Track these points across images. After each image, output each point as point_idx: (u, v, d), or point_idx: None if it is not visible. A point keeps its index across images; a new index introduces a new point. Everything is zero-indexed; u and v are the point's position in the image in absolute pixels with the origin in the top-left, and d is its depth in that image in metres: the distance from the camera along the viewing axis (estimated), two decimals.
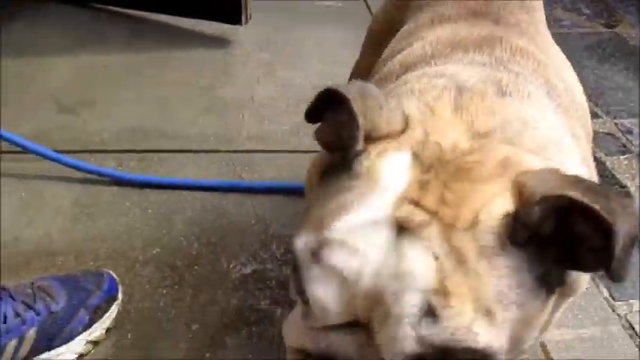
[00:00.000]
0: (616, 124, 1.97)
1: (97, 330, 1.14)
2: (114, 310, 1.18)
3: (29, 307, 1.05)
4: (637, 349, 1.26)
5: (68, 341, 1.09)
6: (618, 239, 0.53)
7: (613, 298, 1.37)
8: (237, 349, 1.19)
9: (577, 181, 0.58)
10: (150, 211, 1.48)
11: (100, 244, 1.37)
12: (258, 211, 1.50)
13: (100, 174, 1.55)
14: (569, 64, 1.01)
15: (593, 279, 1.41)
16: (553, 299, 0.63)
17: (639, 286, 1.39)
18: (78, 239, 1.38)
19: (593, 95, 2.09)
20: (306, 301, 0.61)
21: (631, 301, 1.37)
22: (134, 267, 1.33)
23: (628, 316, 1.33)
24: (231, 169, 1.65)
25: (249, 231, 1.45)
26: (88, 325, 1.12)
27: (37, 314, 1.05)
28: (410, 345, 0.55)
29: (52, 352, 1.08)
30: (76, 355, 1.11)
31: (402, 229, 0.57)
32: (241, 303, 1.27)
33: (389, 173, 0.61)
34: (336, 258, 0.58)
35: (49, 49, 2.07)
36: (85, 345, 1.12)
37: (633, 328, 1.30)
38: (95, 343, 1.14)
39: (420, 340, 0.55)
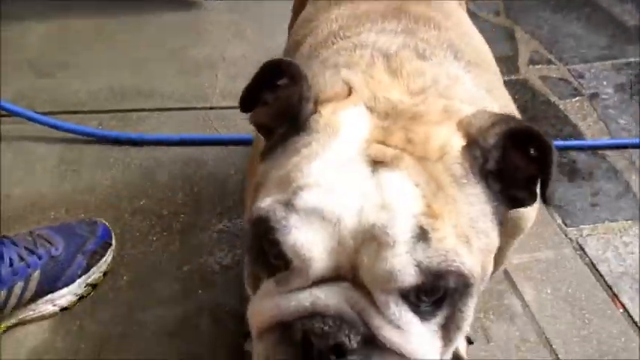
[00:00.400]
0: (568, 69, 2.09)
1: (95, 273, 1.22)
2: (109, 255, 1.26)
3: (31, 252, 1.12)
4: (586, 267, 1.40)
5: (69, 284, 1.18)
6: (554, 158, 0.63)
7: (565, 225, 1.51)
8: (226, 287, 1.29)
9: (514, 116, 0.69)
10: (133, 166, 1.56)
11: (89, 197, 1.44)
12: (236, 161, 1.59)
13: (101, 137, 1.61)
14: (472, 26, 1.03)
15: (547, 208, 1.54)
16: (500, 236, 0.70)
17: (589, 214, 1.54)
18: (67, 194, 1.45)
19: (548, 43, 2.20)
20: (280, 266, 0.60)
21: (581, 226, 1.51)
22: (123, 217, 1.40)
23: (579, 240, 1.47)
24: (208, 125, 1.72)
25: (230, 180, 1.53)
26: (86, 269, 1.21)
27: (40, 258, 1.13)
28: (409, 274, 0.55)
29: (55, 294, 1.16)
30: (77, 297, 1.20)
31: (376, 164, 0.60)
32: (228, 245, 1.36)
33: (348, 123, 0.64)
34: (315, 199, 0.57)
35: (20, 15, 2.08)
36: (84, 287, 1.21)
37: (583, 250, 1.45)
38: (93, 285, 1.23)
39: (418, 266, 0.55)
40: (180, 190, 1.49)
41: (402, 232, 0.55)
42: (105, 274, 1.25)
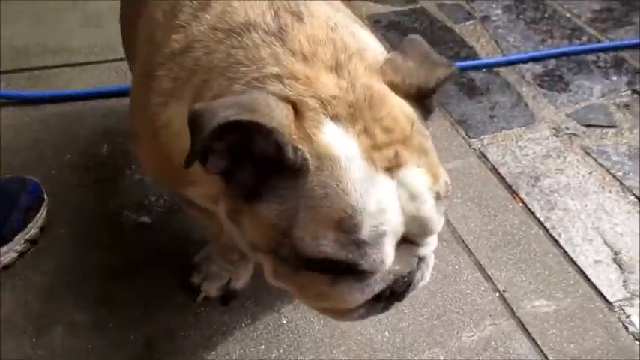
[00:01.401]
0: None
1: (32, 229, 1.24)
2: (43, 210, 1.28)
3: None
4: (489, 172, 1.57)
5: (8, 241, 1.19)
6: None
7: (468, 137, 1.67)
8: (164, 227, 1.35)
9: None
10: (51, 123, 1.55)
11: (11, 158, 1.43)
12: None
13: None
14: None
15: (452, 124, 1.69)
16: None
17: (487, 125, 1.71)
18: None
19: None
20: (364, 271, 0.71)
21: (482, 136, 1.67)
22: (50, 173, 1.41)
23: (481, 149, 1.64)
24: (122, 76, 1.72)
25: None
26: (23, 226, 1.22)
27: None
28: (441, 224, 0.74)
29: None
30: (17, 254, 1.22)
31: (387, 170, 0.69)
32: (157, 187, 1.41)
33: (336, 145, 0.67)
34: (373, 226, 0.67)
35: None
36: (24, 244, 1.23)
37: (485, 157, 1.61)
38: (33, 241, 1.25)
39: (444, 214, 0.75)
40: (104, 142, 1.51)
41: (430, 206, 0.71)
42: (42, 229, 1.27)
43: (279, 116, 0.67)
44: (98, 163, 1.45)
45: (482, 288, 1.29)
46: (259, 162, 0.68)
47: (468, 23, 2.10)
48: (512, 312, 1.25)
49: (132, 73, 1.16)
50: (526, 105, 1.78)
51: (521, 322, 1.23)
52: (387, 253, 0.70)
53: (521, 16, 2.15)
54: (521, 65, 1.93)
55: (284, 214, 0.68)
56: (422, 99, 0.77)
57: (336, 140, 0.68)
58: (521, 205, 1.49)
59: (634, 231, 1.44)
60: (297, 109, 0.69)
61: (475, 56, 1.96)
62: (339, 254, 0.67)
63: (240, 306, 1.21)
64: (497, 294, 1.28)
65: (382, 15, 2.12)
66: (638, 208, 1.49)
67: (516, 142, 1.67)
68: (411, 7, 2.15)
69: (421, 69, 0.77)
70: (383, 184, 0.68)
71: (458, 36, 2.04)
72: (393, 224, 0.69)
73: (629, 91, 1.86)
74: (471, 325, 1.22)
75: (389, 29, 2.04)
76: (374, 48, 0.82)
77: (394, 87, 0.75)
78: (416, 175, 0.70)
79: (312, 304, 0.83)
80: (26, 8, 1.89)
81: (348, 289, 0.74)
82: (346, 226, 0.66)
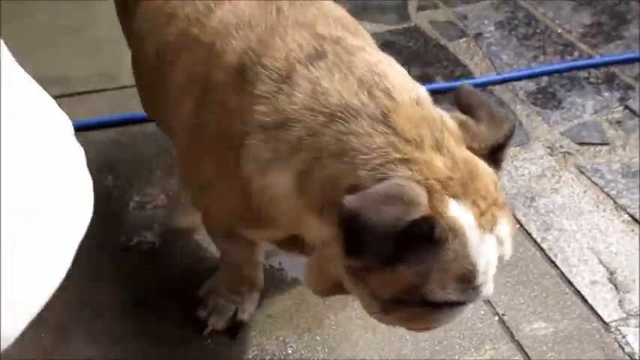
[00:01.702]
0: (453, 12, 2.26)
1: None
2: None
3: None
4: None
5: None
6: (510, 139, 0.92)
7: None
8: (170, 257, 1.38)
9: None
10: None
11: None
12: (160, 139, 1.63)
13: None
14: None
15: None
16: None
17: None
18: None
19: None
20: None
21: None
22: None
23: None
24: (122, 105, 1.74)
25: (155, 159, 1.59)
26: None
27: None
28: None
29: None
30: None
31: (492, 230, 0.84)
32: (162, 218, 1.44)
33: (460, 219, 0.81)
34: (487, 283, 0.85)
35: None
36: None
37: None
38: None
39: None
40: (109, 174, 1.53)
41: (509, 244, 0.87)
42: None
43: (424, 200, 0.79)
44: (102, 197, 1.46)
45: (482, 312, 1.32)
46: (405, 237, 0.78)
47: (461, 41, 2.14)
48: (512, 335, 1.28)
49: (163, 126, 1.27)
50: (520, 124, 1.82)
51: (520, 346, 1.27)
52: (489, 288, 0.87)
53: (513, 33, 2.19)
54: (515, 83, 1.97)
55: (420, 274, 0.81)
56: (494, 154, 0.90)
57: (460, 215, 0.81)
58: (518, 226, 1.52)
59: (628, 250, 1.48)
60: (427, 191, 0.80)
61: (469, 74, 2.00)
62: (460, 298, 0.84)
63: (246, 336, 1.24)
64: (497, 318, 1.31)
65: (377, 34, 2.14)
66: (632, 227, 1.53)
67: (512, 161, 1.70)
68: (405, 25, 2.18)
69: (491, 130, 0.90)
70: (489, 242, 0.84)
71: (452, 54, 2.07)
72: (494, 266, 0.86)
73: (621, 107, 1.89)
74: (472, 350, 1.25)
75: (383, 48, 2.05)
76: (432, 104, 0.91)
77: (473, 151, 0.87)
78: (504, 227, 0.86)
79: (402, 326, 0.97)
80: (21, 39, 1.91)
81: (450, 314, 0.90)
82: (467, 278, 0.82)
